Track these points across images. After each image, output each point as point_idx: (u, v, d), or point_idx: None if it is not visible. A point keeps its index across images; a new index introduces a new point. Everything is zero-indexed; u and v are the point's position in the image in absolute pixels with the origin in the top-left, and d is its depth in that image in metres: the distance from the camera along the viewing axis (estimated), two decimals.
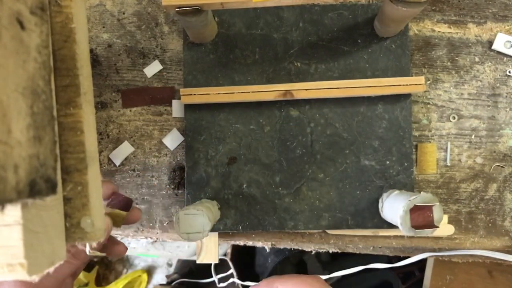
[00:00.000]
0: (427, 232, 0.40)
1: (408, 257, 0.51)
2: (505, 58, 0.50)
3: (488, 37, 0.50)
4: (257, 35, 0.49)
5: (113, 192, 0.37)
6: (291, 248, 0.54)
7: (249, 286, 0.70)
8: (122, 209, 0.36)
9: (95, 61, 0.51)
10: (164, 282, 1.18)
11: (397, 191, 0.45)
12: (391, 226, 0.47)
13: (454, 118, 0.50)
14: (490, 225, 0.49)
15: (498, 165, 0.49)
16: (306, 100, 0.49)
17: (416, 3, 0.39)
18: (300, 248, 0.53)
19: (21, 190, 0.19)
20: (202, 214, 0.41)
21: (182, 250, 0.87)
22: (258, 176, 0.49)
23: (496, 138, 0.50)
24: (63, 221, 0.24)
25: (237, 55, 0.49)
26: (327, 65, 0.49)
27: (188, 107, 0.49)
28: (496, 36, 0.49)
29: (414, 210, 0.40)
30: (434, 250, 0.51)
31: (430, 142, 0.50)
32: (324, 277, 0.49)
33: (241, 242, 0.53)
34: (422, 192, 0.40)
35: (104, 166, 0.51)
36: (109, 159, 0.51)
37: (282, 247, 0.53)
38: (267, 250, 0.86)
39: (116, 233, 0.52)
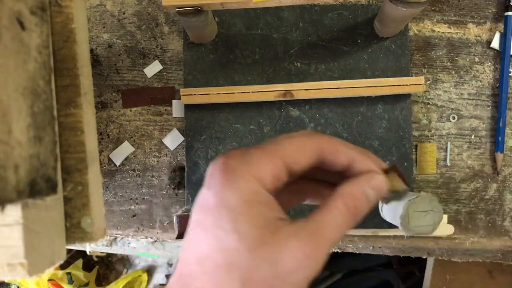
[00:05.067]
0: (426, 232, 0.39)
1: (408, 257, 0.51)
2: None
3: (488, 37, 0.50)
4: (257, 35, 0.49)
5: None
6: None
7: None
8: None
9: (95, 61, 0.52)
10: (165, 282, 1.18)
11: None
12: (391, 226, 0.47)
13: (454, 118, 0.50)
14: (490, 225, 0.49)
15: None
16: (306, 100, 0.49)
17: (416, 3, 0.39)
18: None
19: (21, 190, 0.19)
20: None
21: None
22: None
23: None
24: (63, 221, 0.24)
25: (237, 55, 0.49)
26: (327, 65, 0.49)
27: (188, 107, 0.49)
28: (494, 35, 0.49)
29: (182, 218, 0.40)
30: (434, 250, 0.51)
31: (430, 142, 0.50)
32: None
33: None
34: (422, 192, 0.40)
35: (105, 166, 0.51)
36: (109, 159, 0.51)
37: None
38: None
39: (117, 233, 0.52)
